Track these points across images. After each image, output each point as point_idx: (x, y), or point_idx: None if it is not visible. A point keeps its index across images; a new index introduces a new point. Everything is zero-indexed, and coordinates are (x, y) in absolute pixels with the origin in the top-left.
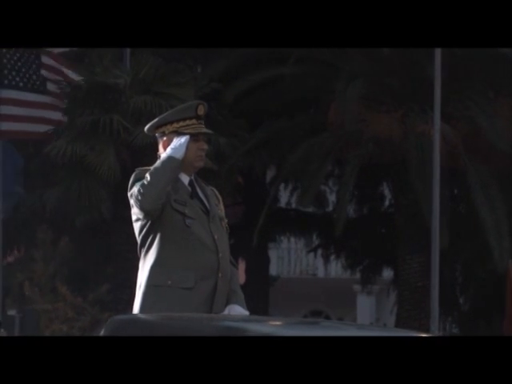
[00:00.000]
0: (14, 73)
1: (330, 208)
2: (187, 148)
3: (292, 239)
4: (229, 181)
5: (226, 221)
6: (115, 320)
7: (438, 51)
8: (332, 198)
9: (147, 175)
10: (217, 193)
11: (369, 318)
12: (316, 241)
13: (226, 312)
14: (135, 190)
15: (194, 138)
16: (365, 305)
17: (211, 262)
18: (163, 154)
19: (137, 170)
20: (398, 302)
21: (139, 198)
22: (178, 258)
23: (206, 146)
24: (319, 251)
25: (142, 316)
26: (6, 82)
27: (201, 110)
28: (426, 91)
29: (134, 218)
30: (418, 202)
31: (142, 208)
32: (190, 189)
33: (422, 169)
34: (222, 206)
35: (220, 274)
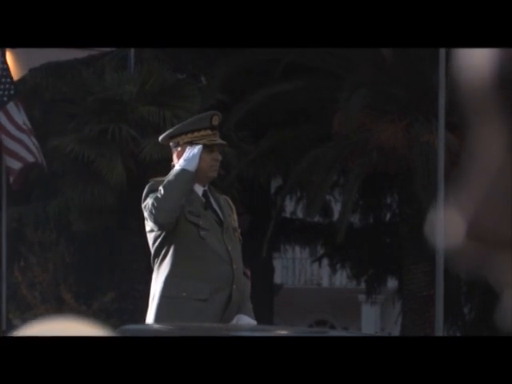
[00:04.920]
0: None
1: (335, 218)
2: (201, 159)
3: (297, 249)
4: (231, 191)
5: (239, 231)
6: (124, 330)
7: (442, 60)
8: (337, 207)
9: (161, 188)
10: (230, 202)
11: (373, 327)
12: (321, 250)
13: (234, 322)
14: (149, 202)
15: (209, 148)
16: (369, 314)
17: (226, 273)
18: (176, 165)
19: (151, 181)
20: (402, 311)
21: (153, 211)
22: (193, 269)
23: (220, 157)
24: (324, 261)
25: (151, 326)
26: None
27: (215, 121)
28: (430, 100)
29: (147, 228)
30: (423, 212)
31: (156, 221)
32: (203, 200)
33: (426, 178)
34: (235, 216)
35: (234, 286)
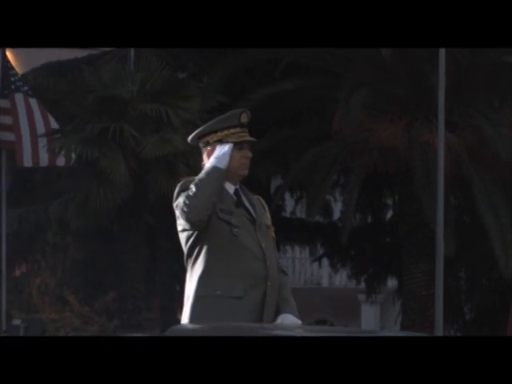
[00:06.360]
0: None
1: (335, 217)
2: (231, 156)
3: (296, 248)
4: None
5: (272, 229)
6: (175, 330)
7: (442, 60)
8: (337, 207)
9: (192, 186)
10: (262, 201)
11: (373, 327)
12: (320, 250)
13: (278, 321)
14: (181, 201)
15: (239, 146)
16: (369, 314)
17: (259, 270)
18: (207, 164)
19: (182, 180)
20: (402, 311)
21: (185, 209)
22: (226, 267)
23: (250, 154)
24: (324, 260)
25: (201, 326)
26: (5, 92)
27: (244, 118)
28: (430, 100)
29: (179, 228)
30: (423, 211)
31: (188, 220)
32: (235, 198)
33: (426, 178)
34: (268, 215)
35: (269, 283)
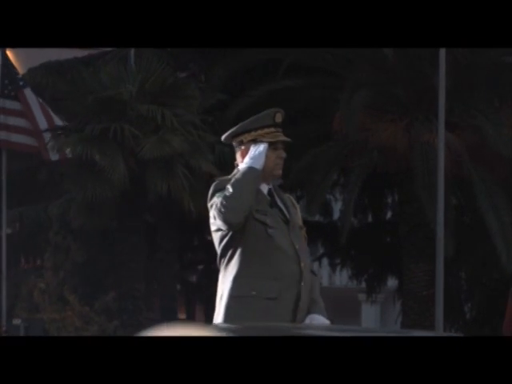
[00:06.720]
0: (8, 83)
1: (335, 217)
2: (266, 156)
3: None
4: None
5: (304, 229)
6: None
7: (442, 60)
8: (337, 206)
9: (229, 187)
10: (294, 200)
11: (374, 327)
12: (321, 250)
13: (307, 321)
14: (217, 201)
15: (273, 146)
16: (369, 314)
17: (294, 271)
18: (242, 164)
19: (217, 180)
20: (402, 310)
21: (222, 210)
22: (262, 268)
23: (284, 154)
24: (324, 260)
25: (237, 326)
26: (5, 92)
27: (278, 118)
28: (430, 100)
29: (213, 228)
30: (423, 211)
31: (225, 220)
32: (269, 198)
33: (426, 178)
34: (299, 214)
35: (303, 284)
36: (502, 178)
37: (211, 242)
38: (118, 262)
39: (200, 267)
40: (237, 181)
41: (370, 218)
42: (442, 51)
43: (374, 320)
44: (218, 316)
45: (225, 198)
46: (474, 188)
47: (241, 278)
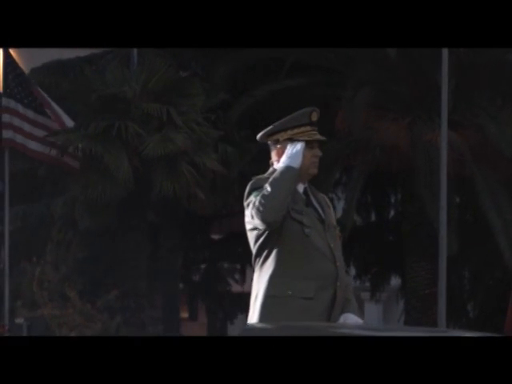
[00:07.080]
0: (14, 85)
1: (338, 215)
2: (303, 155)
3: None
4: (232, 189)
5: (338, 228)
6: (249, 329)
7: (445, 59)
8: (339, 205)
9: (267, 186)
10: (327, 200)
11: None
12: None
13: (340, 321)
14: (255, 200)
15: (310, 145)
16: (373, 312)
17: (330, 271)
18: (280, 163)
19: (254, 179)
20: (405, 309)
21: (261, 209)
22: (298, 267)
23: (320, 153)
24: None
25: (274, 326)
26: (8, 90)
27: (314, 117)
28: (433, 99)
29: (248, 227)
30: (425, 210)
31: (263, 219)
32: (304, 197)
33: (429, 176)
34: (333, 214)
35: (338, 283)
36: (504, 177)
37: (214, 241)
38: (121, 260)
39: (203, 266)
40: (275, 180)
41: (372, 217)
42: (445, 51)
43: (376, 319)
44: (253, 315)
45: (263, 196)
46: (476, 186)
47: (277, 277)
